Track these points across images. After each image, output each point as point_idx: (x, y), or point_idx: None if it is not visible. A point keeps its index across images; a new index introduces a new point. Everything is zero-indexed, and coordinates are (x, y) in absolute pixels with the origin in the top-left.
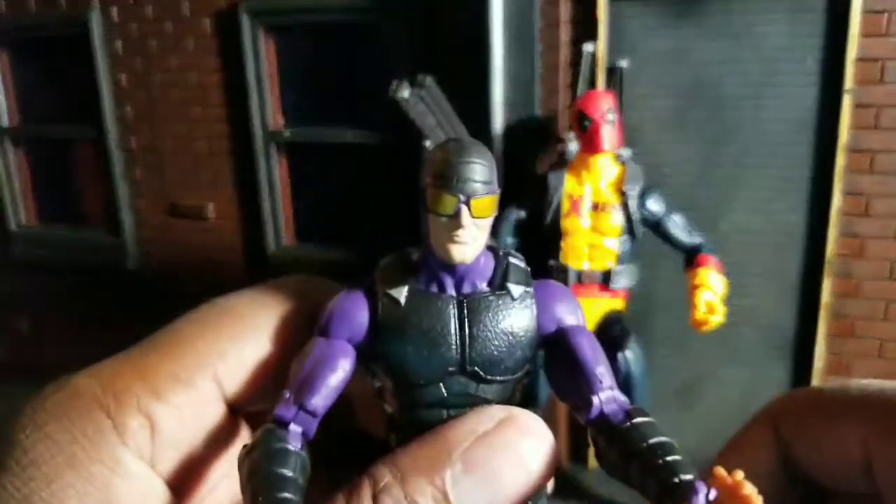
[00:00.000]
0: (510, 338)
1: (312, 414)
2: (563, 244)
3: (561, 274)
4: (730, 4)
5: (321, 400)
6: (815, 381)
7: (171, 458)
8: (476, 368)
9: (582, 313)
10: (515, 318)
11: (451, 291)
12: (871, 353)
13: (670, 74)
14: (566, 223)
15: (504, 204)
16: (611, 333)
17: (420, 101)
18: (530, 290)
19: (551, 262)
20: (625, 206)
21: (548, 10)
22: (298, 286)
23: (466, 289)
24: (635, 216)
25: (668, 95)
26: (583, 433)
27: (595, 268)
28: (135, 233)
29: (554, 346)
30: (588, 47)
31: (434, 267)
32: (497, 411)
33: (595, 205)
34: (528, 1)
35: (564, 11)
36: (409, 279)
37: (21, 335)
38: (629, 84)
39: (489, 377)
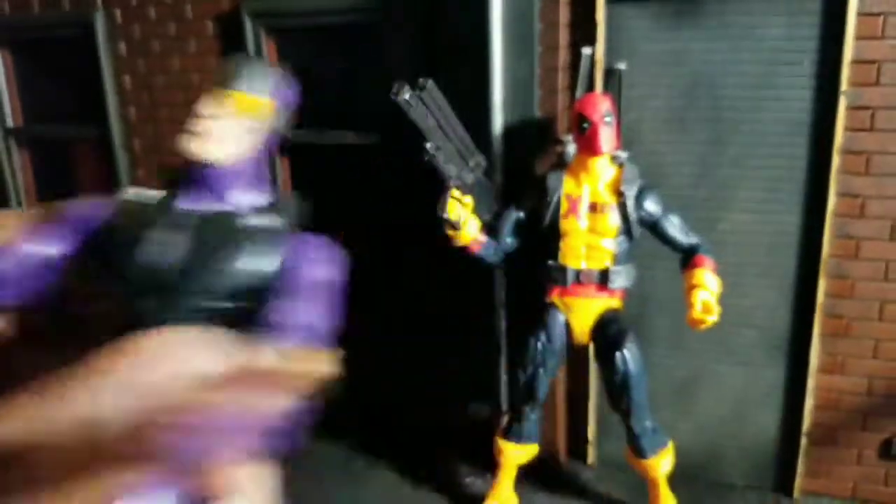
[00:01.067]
0: (237, 264)
1: None
2: (561, 244)
3: (559, 274)
4: (728, 6)
5: (6, 264)
6: (811, 380)
7: None
8: (195, 287)
9: (334, 267)
10: (250, 249)
11: (196, 207)
12: (867, 354)
13: (668, 76)
14: (564, 224)
15: (504, 204)
16: (608, 333)
17: (420, 102)
18: (278, 229)
19: (550, 263)
20: (622, 207)
21: (547, 13)
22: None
23: (210, 206)
24: (632, 217)
25: (666, 97)
26: (582, 430)
27: (592, 268)
28: None
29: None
30: (587, 50)
31: (188, 180)
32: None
33: (593, 206)
34: (527, 3)
35: (564, 14)
36: (163, 192)
37: None
38: (627, 86)
39: (209, 302)
